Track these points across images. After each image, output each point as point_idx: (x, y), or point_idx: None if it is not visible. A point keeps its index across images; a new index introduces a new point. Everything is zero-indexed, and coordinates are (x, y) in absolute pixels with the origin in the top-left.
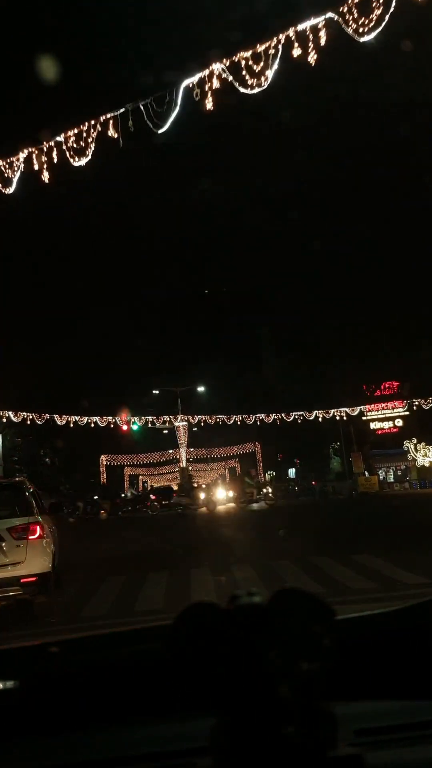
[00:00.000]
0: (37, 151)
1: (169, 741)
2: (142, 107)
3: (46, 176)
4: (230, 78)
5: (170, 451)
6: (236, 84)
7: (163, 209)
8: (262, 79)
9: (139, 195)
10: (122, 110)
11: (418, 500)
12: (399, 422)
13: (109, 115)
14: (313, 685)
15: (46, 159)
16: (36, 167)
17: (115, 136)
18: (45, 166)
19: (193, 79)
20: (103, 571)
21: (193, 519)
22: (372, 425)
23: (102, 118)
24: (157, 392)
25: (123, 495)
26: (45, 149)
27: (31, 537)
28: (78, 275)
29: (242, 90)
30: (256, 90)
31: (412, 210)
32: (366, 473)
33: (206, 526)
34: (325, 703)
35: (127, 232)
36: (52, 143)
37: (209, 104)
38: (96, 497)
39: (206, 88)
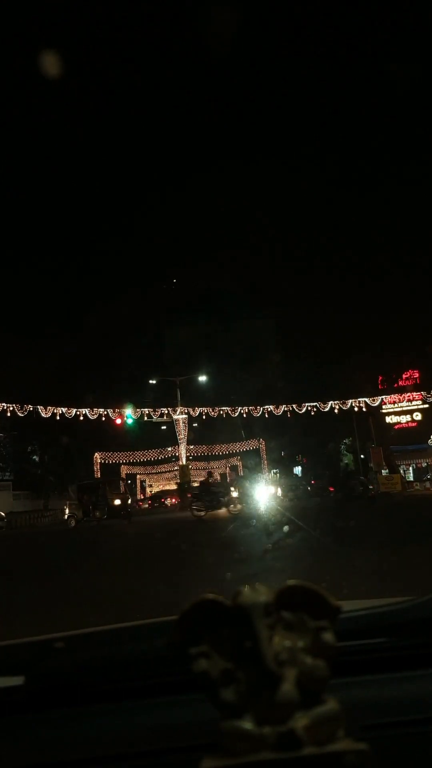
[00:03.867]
0: None
1: (172, 737)
2: None
3: None
4: None
5: (169, 449)
6: None
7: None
8: None
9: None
10: None
11: None
12: (418, 416)
13: None
14: (318, 680)
15: None
16: None
17: None
18: None
19: None
20: None
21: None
22: (388, 419)
23: None
24: (154, 382)
25: None
26: None
27: None
28: (77, 263)
29: None
30: None
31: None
32: (384, 471)
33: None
34: (330, 698)
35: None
36: None
37: None
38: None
39: None
